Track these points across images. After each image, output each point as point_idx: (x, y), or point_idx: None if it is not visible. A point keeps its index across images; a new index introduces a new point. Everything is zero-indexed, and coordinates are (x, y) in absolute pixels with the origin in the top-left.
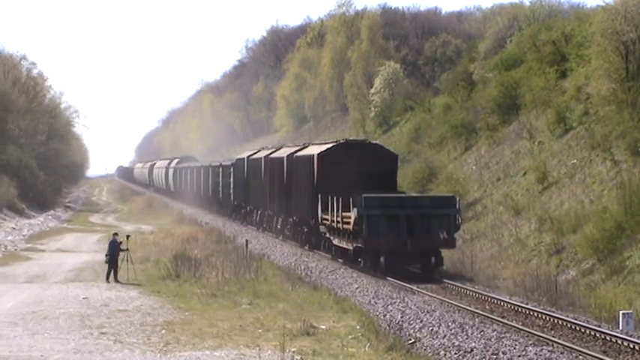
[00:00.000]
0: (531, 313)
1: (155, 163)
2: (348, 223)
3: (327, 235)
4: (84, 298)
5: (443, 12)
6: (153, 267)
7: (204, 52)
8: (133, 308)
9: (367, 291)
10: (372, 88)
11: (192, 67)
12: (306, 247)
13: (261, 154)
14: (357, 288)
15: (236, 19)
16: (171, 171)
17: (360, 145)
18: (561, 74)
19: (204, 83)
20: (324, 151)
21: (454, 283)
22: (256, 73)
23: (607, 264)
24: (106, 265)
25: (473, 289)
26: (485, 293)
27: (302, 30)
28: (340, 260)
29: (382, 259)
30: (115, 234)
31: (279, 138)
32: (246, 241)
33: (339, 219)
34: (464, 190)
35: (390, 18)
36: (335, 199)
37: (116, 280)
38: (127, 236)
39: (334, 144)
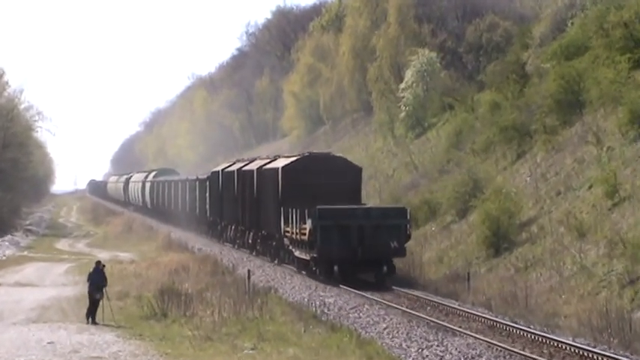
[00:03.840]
0: (600, 359)
1: (131, 177)
2: (305, 234)
3: (290, 247)
4: (49, 343)
5: None
6: (134, 304)
7: (195, 39)
8: (110, 355)
9: (397, 332)
10: (401, 82)
11: (181, 57)
12: (276, 262)
13: (235, 167)
14: (384, 328)
15: None
16: (147, 185)
17: (324, 158)
18: (635, 64)
19: (195, 77)
20: (288, 164)
21: (504, 321)
22: (259, 64)
23: None
24: (85, 302)
25: (528, 328)
26: (544, 334)
27: (315, 11)
28: (304, 272)
29: (335, 268)
30: (99, 262)
31: (288, 144)
32: (249, 271)
33: (298, 230)
34: (516, 207)
35: None
36: (293, 211)
37: (93, 321)
38: (102, 266)
39: (299, 157)
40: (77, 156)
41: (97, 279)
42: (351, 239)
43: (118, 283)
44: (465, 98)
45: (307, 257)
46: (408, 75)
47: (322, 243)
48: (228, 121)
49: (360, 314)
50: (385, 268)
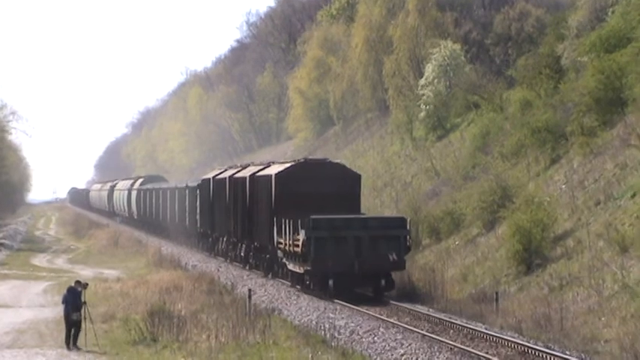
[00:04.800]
0: None
1: (116, 184)
2: (298, 245)
3: (284, 259)
4: None
5: None
6: (120, 327)
7: (189, 29)
8: None
9: (417, 358)
10: (421, 77)
11: (173, 50)
12: (269, 276)
13: (227, 174)
14: (402, 354)
15: None
16: (134, 194)
17: (321, 165)
18: None
19: (189, 73)
20: (282, 171)
21: (537, 346)
22: (261, 58)
23: None
24: (63, 325)
25: (563, 355)
26: None
27: None
28: (298, 286)
29: (330, 282)
30: (78, 282)
31: (293, 147)
32: (249, 290)
33: (291, 242)
34: (550, 218)
35: None
36: (287, 221)
37: (74, 346)
38: (85, 285)
39: (294, 163)
40: (57, 161)
41: (73, 300)
42: (347, 251)
43: (103, 304)
44: (493, 96)
45: (301, 270)
46: (429, 70)
47: (316, 255)
48: (227, 122)
49: (375, 338)
50: (383, 282)
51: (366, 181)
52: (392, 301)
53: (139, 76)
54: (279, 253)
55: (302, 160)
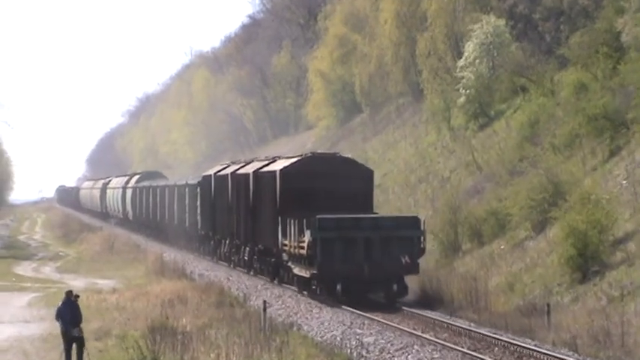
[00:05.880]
0: None
1: (109, 182)
2: (303, 247)
3: (289, 263)
4: None
5: None
6: (116, 346)
7: (194, 5)
8: None
9: None
10: (460, 58)
11: (177, 28)
12: (275, 281)
13: (229, 170)
14: None
15: None
16: (129, 192)
17: (330, 160)
18: None
19: (195, 53)
20: (287, 166)
21: None
22: (277, 36)
23: None
24: (50, 342)
25: None
26: None
27: None
28: (305, 292)
29: (338, 286)
30: (70, 292)
31: (314, 137)
32: (264, 302)
33: (296, 244)
34: (608, 218)
35: None
36: (291, 221)
37: None
38: (75, 297)
39: (299, 158)
40: (43, 156)
41: (71, 314)
42: (357, 254)
43: (97, 319)
44: (543, 78)
45: (307, 275)
46: (469, 49)
47: (323, 258)
48: (238, 110)
49: (409, 357)
50: (395, 287)
51: (397, 177)
52: (428, 315)
53: (136, 57)
54: (285, 256)
55: (309, 155)
